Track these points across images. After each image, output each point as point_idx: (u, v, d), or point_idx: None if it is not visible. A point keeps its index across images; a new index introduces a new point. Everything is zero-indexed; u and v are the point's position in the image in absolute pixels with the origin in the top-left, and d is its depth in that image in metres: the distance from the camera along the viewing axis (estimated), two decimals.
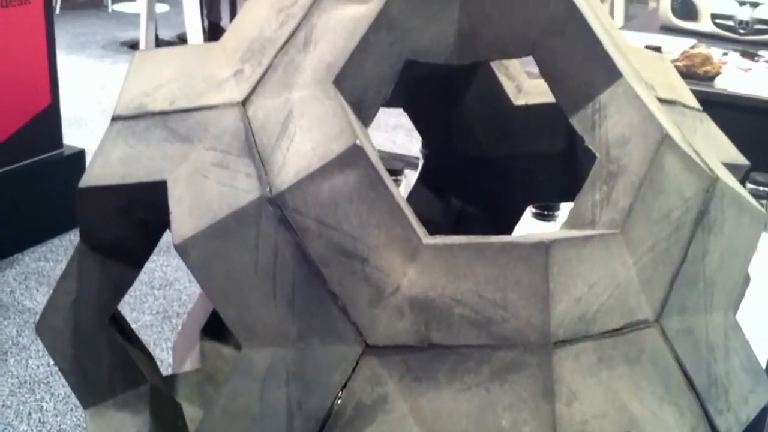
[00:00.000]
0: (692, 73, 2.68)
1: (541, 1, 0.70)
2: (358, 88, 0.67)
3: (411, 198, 1.11)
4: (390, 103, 1.04)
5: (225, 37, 0.76)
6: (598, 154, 0.68)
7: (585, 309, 0.61)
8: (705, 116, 0.83)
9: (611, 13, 6.19)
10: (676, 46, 2.77)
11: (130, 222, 0.73)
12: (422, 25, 0.69)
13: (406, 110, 1.07)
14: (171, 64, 0.74)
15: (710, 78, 2.39)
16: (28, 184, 2.76)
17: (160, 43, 4.96)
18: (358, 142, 0.60)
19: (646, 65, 0.82)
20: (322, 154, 0.61)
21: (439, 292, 0.60)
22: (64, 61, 4.34)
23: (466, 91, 1.02)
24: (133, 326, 1.03)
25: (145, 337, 2.27)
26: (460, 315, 0.60)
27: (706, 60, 2.43)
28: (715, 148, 0.79)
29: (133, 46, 5.23)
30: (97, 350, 0.76)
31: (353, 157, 0.60)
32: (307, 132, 0.63)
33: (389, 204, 0.60)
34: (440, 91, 1.04)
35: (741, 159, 0.81)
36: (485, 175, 1.06)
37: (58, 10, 5.88)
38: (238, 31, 0.74)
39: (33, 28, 3.16)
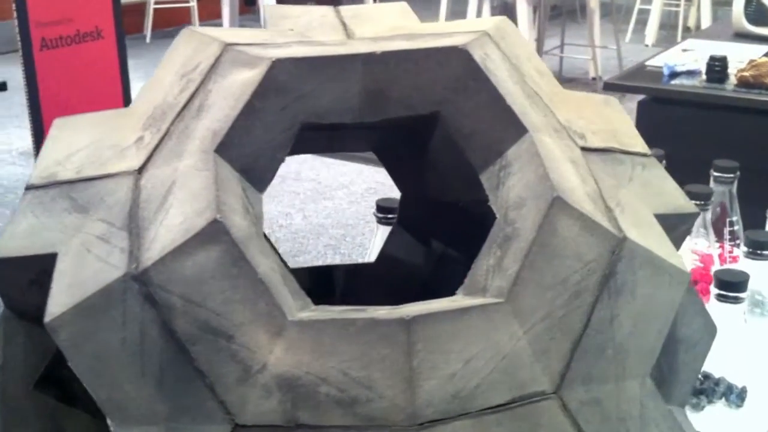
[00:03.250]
0: (759, 82, 2.59)
1: (443, 60, 0.68)
2: (248, 155, 0.66)
3: (390, 242, 1.09)
4: (360, 149, 1.03)
5: (135, 101, 0.76)
6: (498, 215, 0.66)
7: (461, 385, 0.59)
8: (651, 161, 0.79)
9: (698, 17, 6.04)
10: (747, 54, 2.69)
11: (43, 291, 0.74)
12: (319, 87, 0.68)
13: (378, 156, 1.05)
14: (87, 131, 0.74)
15: None
16: None
17: None
18: (218, 217, 0.59)
19: (585, 112, 0.78)
20: (186, 229, 0.60)
21: (305, 370, 0.58)
22: None
23: (434, 138, 1.00)
24: None
25: None
26: (326, 394, 0.58)
27: None
28: (655, 197, 0.75)
29: None
30: (25, 416, 0.77)
31: (213, 233, 0.59)
32: (181, 205, 0.62)
33: (252, 280, 0.59)
34: (410, 138, 1.02)
35: (689, 207, 0.77)
36: (460, 220, 1.03)
37: (149, 39, 6.04)
38: (146, 95, 0.74)
39: (107, 61, 3.25)
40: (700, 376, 1.11)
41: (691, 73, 2.76)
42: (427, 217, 1.06)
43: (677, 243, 0.80)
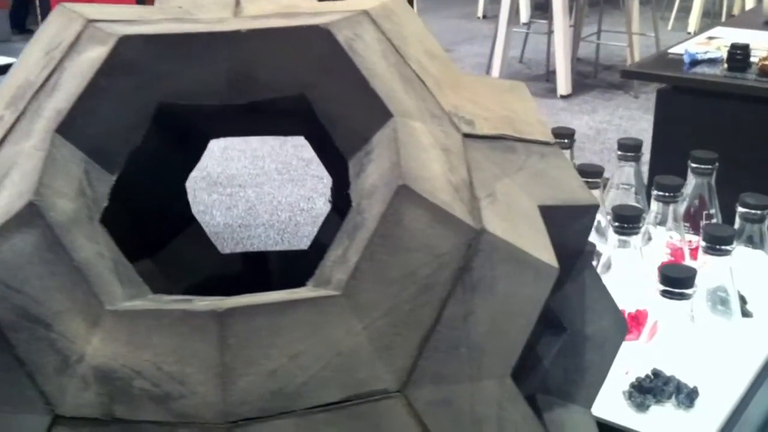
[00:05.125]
0: None
1: (305, 41, 0.65)
2: (96, 136, 0.63)
3: (324, 228, 1.06)
4: (292, 132, 1.00)
5: (4, 79, 0.73)
6: (353, 204, 0.62)
7: (284, 382, 0.55)
8: (553, 151, 0.75)
9: (743, 5, 5.89)
10: None
11: None
12: (179, 67, 0.65)
13: (308, 141, 1.02)
14: None
15: None
16: None
17: None
18: (35, 200, 0.56)
19: (481, 98, 0.75)
20: (6, 212, 0.57)
21: (121, 363, 0.56)
22: None
23: None
24: None
25: None
26: (141, 388, 0.55)
27: None
28: (548, 188, 0.71)
29: None
30: None
31: (29, 215, 0.56)
32: (12, 186, 0.60)
33: (69, 267, 0.56)
34: None
35: (586, 199, 0.73)
36: None
37: None
38: (14, 73, 0.72)
39: None
40: (649, 373, 1.07)
41: (712, 62, 2.68)
42: None
43: (579, 236, 0.76)
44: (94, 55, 0.64)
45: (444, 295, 0.60)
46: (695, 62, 2.65)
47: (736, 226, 1.22)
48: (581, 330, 0.79)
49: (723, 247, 1.09)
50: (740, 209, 1.21)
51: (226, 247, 3.11)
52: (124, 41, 0.63)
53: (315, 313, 0.57)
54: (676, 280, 1.00)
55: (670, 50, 2.87)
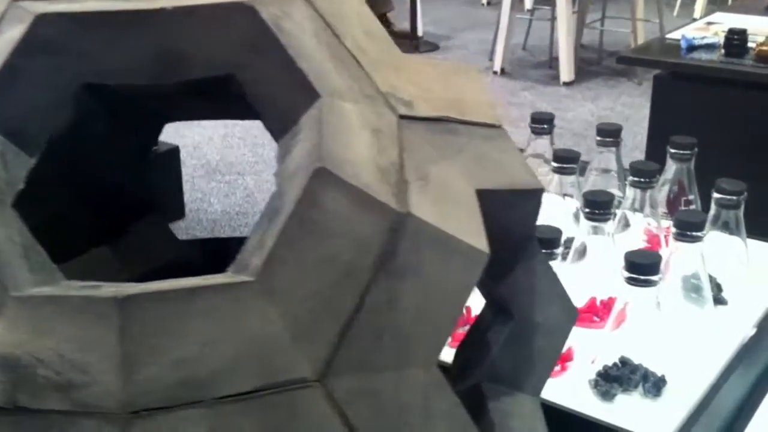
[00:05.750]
0: None
1: (229, 18, 0.63)
2: (13, 118, 0.61)
3: None
4: (250, 116, 0.98)
5: None
6: (276, 186, 0.60)
7: (192, 371, 0.54)
8: (498, 133, 0.73)
9: None
10: None
11: None
12: (103, 47, 0.63)
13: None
14: None
15: None
16: None
17: None
18: None
19: (423, 79, 0.72)
20: None
21: (25, 350, 0.54)
22: None
23: None
24: None
25: None
26: (44, 377, 0.53)
27: None
28: (490, 172, 0.69)
29: None
30: None
31: None
32: None
33: None
34: None
35: (530, 183, 0.71)
36: None
37: None
38: None
39: None
40: (617, 361, 1.05)
41: (710, 47, 2.64)
42: None
43: (525, 222, 0.74)
44: (13, 34, 0.62)
45: (366, 281, 0.58)
46: (692, 48, 2.61)
47: (712, 212, 1.20)
48: (530, 317, 0.77)
49: (694, 233, 1.07)
50: (716, 195, 1.19)
51: (223, 234, 3.10)
52: (42, 19, 0.61)
53: (228, 299, 0.55)
54: (641, 266, 0.98)
55: (668, 36, 2.83)
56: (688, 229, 1.07)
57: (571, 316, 0.78)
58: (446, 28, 6.07)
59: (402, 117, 0.67)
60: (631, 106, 4.33)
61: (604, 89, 4.63)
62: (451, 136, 0.69)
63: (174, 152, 3.06)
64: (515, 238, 0.74)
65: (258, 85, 0.64)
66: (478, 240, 0.62)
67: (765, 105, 2.41)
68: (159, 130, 0.99)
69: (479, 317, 0.83)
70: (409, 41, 5.32)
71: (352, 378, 0.58)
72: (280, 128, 0.64)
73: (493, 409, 0.74)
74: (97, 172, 0.95)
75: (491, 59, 5.04)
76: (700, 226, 1.07)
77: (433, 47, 5.55)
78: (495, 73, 4.92)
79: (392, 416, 0.59)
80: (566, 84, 4.68)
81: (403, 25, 5.46)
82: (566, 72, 4.68)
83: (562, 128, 3.89)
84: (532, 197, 0.71)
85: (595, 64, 5.04)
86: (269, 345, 0.55)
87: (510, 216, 0.71)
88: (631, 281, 0.99)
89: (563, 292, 0.78)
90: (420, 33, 5.58)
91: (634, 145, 3.46)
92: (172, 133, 3.49)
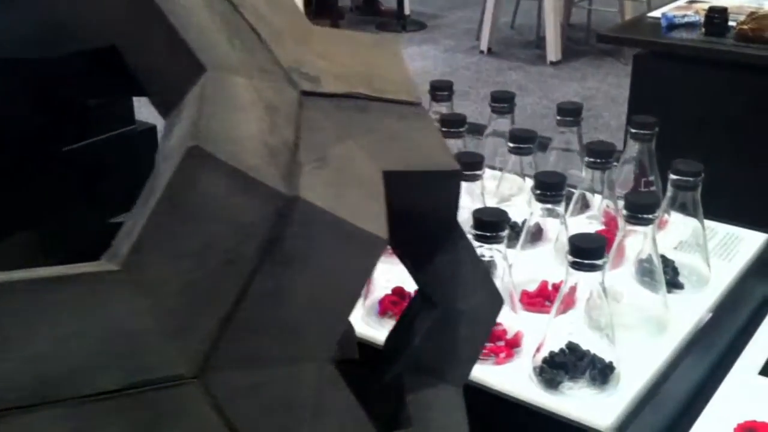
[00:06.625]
0: (759, 36, 2.43)
1: None
2: None
3: None
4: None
5: None
6: (155, 167, 0.56)
7: (49, 369, 0.49)
8: (415, 111, 0.69)
9: None
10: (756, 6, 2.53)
11: None
12: None
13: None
14: None
15: None
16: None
17: None
18: None
19: (334, 53, 0.68)
20: None
21: None
22: None
23: None
24: None
25: None
26: None
27: None
28: (402, 152, 0.65)
29: None
30: None
31: None
32: None
33: None
34: None
35: (445, 164, 0.67)
36: None
37: None
38: None
39: None
40: (564, 347, 1.01)
41: (690, 26, 2.59)
42: None
43: (445, 205, 0.70)
44: None
45: (250, 270, 0.53)
46: (673, 26, 2.57)
47: (669, 193, 1.16)
48: (453, 306, 0.73)
49: (645, 215, 1.03)
50: (672, 176, 1.14)
51: None
52: None
53: (91, 290, 0.51)
54: (584, 250, 0.93)
55: (650, 14, 2.79)
56: (639, 212, 1.03)
57: (496, 304, 0.73)
58: (434, 6, 6.01)
59: (305, 93, 0.63)
60: (617, 86, 4.28)
61: (590, 69, 4.58)
62: (360, 114, 0.65)
63: (152, 131, 3.03)
64: (434, 223, 0.70)
65: (141, 57, 0.59)
66: (376, 225, 0.57)
67: (747, 85, 2.37)
68: (82, 111, 0.95)
69: (409, 304, 0.79)
70: (396, 20, 5.26)
71: (234, 374, 0.54)
72: (167, 105, 0.60)
73: (414, 399, 0.70)
74: (24, 159, 0.91)
75: (477, 38, 4.98)
76: (652, 208, 1.03)
77: (420, 26, 5.49)
78: (482, 52, 4.86)
79: (279, 414, 0.55)
80: (553, 63, 4.63)
81: (390, 3, 5.41)
82: (553, 52, 4.63)
83: (548, 108, 3.84)
84: (448, 179, 0.67)
85: (583, 44, 4.98)
86: (137, 340, 0.51)
87: (426, 200, 0.67)
88: (575, 266, 0.94)
89: (488, 278, 0.74)
90: (407, 12, 5.52)
91: (619, 125, 3.42)
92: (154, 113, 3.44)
